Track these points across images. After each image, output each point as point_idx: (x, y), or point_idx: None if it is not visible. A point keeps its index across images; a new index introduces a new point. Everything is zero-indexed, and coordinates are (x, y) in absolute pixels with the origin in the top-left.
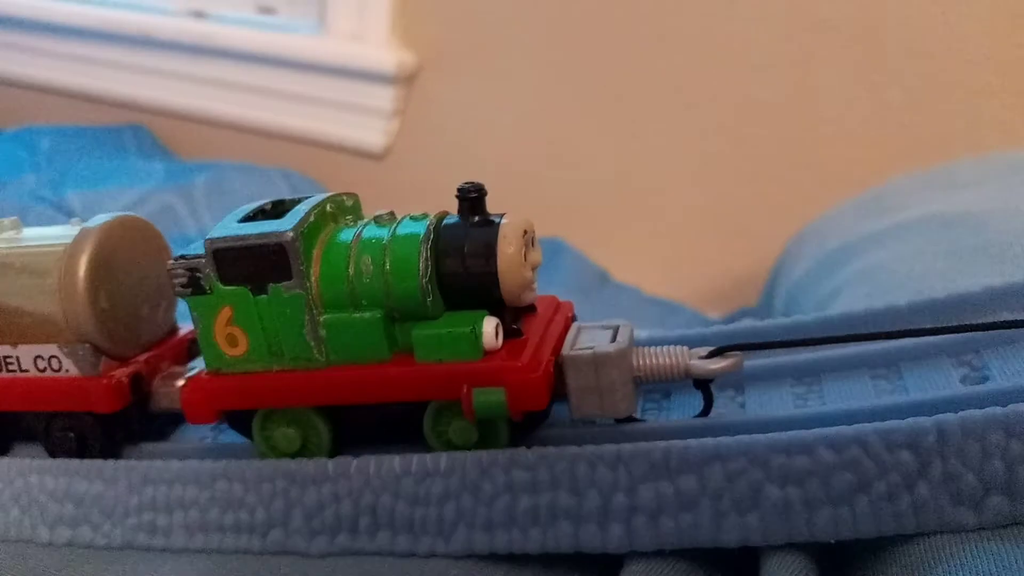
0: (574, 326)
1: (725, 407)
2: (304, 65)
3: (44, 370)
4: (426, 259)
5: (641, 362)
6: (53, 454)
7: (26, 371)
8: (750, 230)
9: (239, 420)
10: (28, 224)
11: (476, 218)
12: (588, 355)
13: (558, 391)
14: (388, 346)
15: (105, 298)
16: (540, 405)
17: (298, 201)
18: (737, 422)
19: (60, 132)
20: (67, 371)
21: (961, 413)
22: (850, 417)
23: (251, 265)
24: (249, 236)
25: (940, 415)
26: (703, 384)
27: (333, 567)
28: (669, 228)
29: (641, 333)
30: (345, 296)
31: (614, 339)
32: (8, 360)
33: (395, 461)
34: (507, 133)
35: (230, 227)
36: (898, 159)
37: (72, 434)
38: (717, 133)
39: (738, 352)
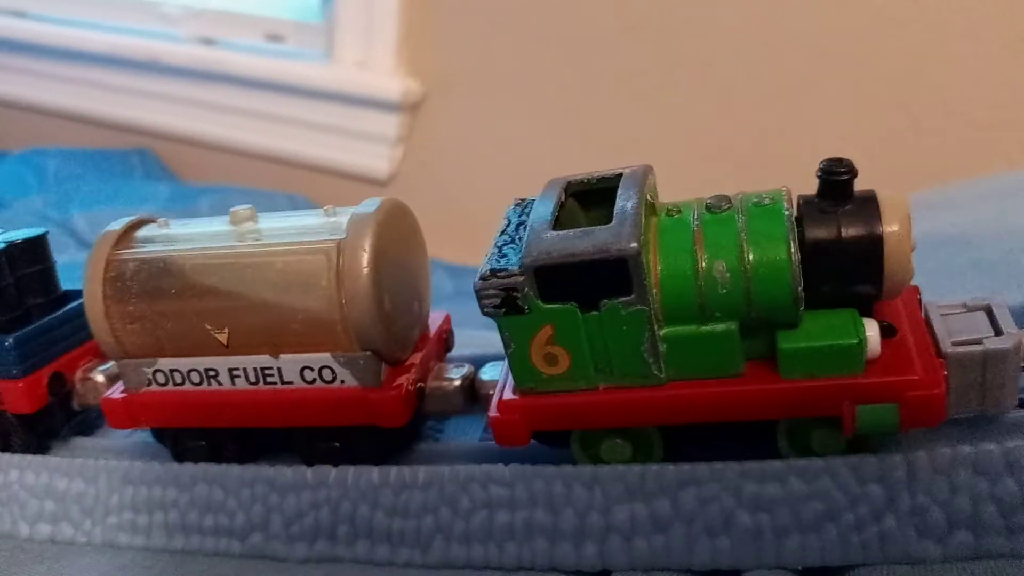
0: (931, 309)
1: None
2: (311, 92)
3: (313, 381)
4: (798, 262)
5: None
6: (313, 463)
7: (289, 383)
8: None
9: (548, 433)
10: None
11: (848, 204)
12: (977, 352)
13: None
14: (743, 358)
15: (388, 300)
16: (939, 420)
17: (585, 184)
18: None
19: (67, 155)
20: (342, 382)
21: (931, 450)
22: None
23: (582, 281)
24: (581, 251)
25: (911, 451)
26: None
27: (312, 573)
28: None
29: None
30: (695, 308)
31: (993, 325)
32: (267, 372)
33: (374, 472)
34: (511, 160)
35: (547, 238)
36: (898, 183)
37: (338, 444)
38: (719, 158)
39: None
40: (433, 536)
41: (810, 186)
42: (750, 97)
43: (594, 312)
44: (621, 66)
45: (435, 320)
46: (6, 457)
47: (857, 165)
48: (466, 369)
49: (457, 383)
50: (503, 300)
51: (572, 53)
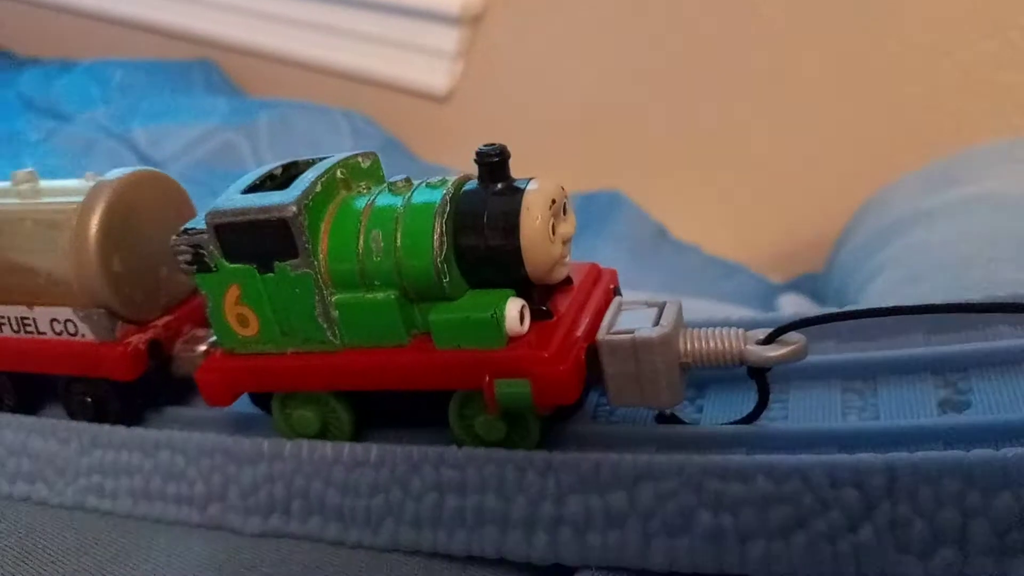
0: (615, 302)
1: (681, 413)
2: (371, 4)
3: (60, 333)
4: (441, 234)
5: (689, 346)
6: (73, 417)
7: (43, 333)
8: (820, 192)
9: (260, 396)
10: (94, 157)
11: (498, 185)
12: (626, 340)
13: (595, 377)
14: (406, 328)
15: (119, 262)
16: (568, 399)
17: (311, 163)
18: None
19: (132, 66)
20: (83, 335)
21: (917, 453)
22: (811, 439)
23: (254, 242)
24: (250, 210)
25: (892, 454)
26: (758, 373)
27: (263, 548)
28: (735, 185)
29: (698, 303)
30: (356, 275)
31: (658, 320)
32: (25, 321)
33: (327, 447)
34: (571, 79)
35: (233, 199)
36: (979, 125)
37: (90, 399)
38: (790, 91)
39: (800, 337)
40: (384, 517)
41: (872, 124)
42: (828, 30)
43: (270, 274)
44: None
45: None
46: None
47: (937, 105)
48: (212, 345)
49: (203, 348)
50: (193, 257)
51: None
